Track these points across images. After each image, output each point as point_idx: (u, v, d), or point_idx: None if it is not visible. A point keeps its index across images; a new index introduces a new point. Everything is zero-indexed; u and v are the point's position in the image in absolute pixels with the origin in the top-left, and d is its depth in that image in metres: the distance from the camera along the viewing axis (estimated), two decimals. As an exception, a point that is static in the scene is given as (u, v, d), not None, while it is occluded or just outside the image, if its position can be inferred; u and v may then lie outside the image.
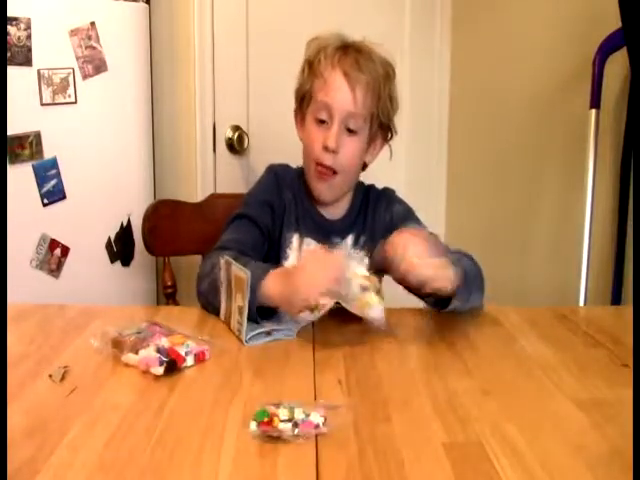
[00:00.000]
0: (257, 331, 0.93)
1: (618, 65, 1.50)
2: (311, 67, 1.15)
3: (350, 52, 1.13)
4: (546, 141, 1.78)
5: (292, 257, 1.19)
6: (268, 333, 0.93)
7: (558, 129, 1.74)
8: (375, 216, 1.23)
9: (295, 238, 1.19)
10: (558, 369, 0.85)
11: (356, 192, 1.24)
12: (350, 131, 1.13)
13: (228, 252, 1.06)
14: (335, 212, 1.22)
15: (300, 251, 1.18)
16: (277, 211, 1.19)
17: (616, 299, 1.55)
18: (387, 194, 1.26)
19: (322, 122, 1.13)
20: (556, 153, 1.76)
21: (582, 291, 1.55)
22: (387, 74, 1.15)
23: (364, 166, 1.22)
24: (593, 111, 1.53)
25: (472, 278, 1.03)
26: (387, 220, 1.22)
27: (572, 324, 1.06)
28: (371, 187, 1.27)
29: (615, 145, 1.56)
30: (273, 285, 0.94)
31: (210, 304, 1.05)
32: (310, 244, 1.19)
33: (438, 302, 1.01)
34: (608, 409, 0.72)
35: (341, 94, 1.11)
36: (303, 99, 1.18)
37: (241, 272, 0.91)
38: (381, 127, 1.18)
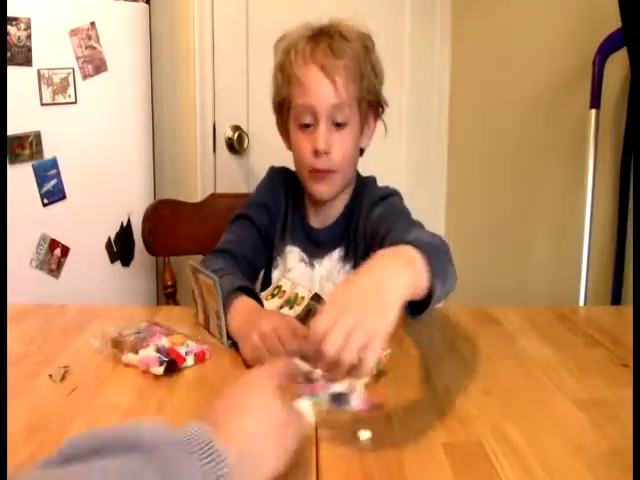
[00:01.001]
0: None
1: (618, 65, 1.50)
2: (283, 71, 1.07)
3: (321, 39, 1.04)
4: (546, 141, 1.78)
5: (280, 266, 1.17)
6: None
7: (558, 129, 1.73)
8: (358, 223, 1.12)
9: (281, 244, 1.17)
10: (558, 369, 0.85)
11: (353, 191, 1.16)
12: (338, 125, 1.04)
13: (224, 257, 1.06)
14: (325, 219, 1.16)
15: (284, 258, 1.16)
16: (273, 214, 1.17)
17: (616, 299, 1.55)
18: (372, 197, 1.10)
19: (307, 126, 1.05)
20: (556, 153, 1.76)
21: (582, 291, 1.55)
22: (365, 48, 1.06)
23: (361, 151, 1.14)
24: (593, 111, 1.53)
25: (441, 255, 0.77)
26: (367, 226, 1.07)
27: (572, 324, 1.06)
28: (367, 185, 1.17)
29: (615, 145, 1.55)
30: (235, 316, 0.91)
31: None
32: (293, 251, 1.15)
33: (414, 307, 0.72)
34: (608, 409, 0.72)
35: (321, 90, 1.02)
36: (282, 107, 1.10)
37: (208, 279, 0.91)
38: (370, 105, 1.09)
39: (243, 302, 0.92)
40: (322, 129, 1.03)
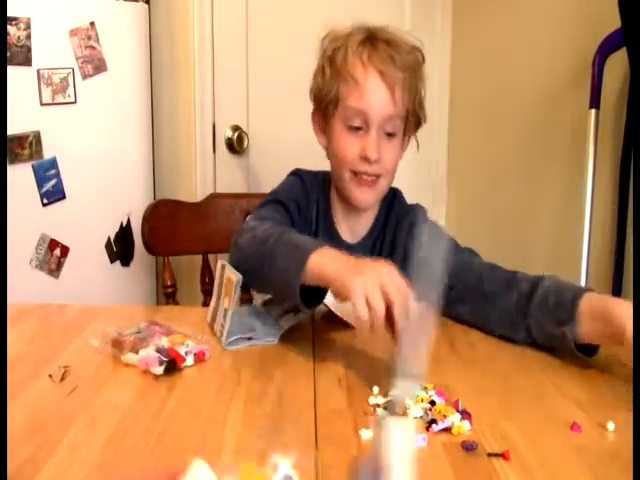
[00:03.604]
0: (238, 336, 0.92)
1: (618, 65, 1.50)
2: (333, 65, 1.01)
3: (379, 45, 1.00)
4: (546, 141, 1.78)
5: None
6: (249, 338, 0.93)
7: (558, 129, 1.73)
8: (395, 239, 1.11)
9: None
10: (558, 369, 0.85)
11: (382, 204, 1.14)
12: (389, 135, 1.03)
13: (267, 222, 0.97)
14: (356, 231, 1.13)
15: None
16: (304, 215, 1.10)
17: (616, 299, 1.55)
18: (411, 215, 1.12)
19: (356, 129, 1.02)
20: (556, 153, 1.76)
21: (582, 291, 1.56)
22: (418, 62, 1.04)
23: None
24: (593, 111, 1.53)
25: None
26: (408, 245, 1.07)
27: (572, 324, 1.06)
28: (396, 196, 1.16)
29: (615, 145, 1.55)
30: (328, 260, 0.81)
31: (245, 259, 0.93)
32: None
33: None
34: (608, 409, 0.72)
35: (378, 98, 0.99)
36: (326, 102, 1.04)
37: (233, 275, 0.90)
38: (415, 119, 1.08)
39: (334, 251, 0.82)
40: (373, 137, 1.01)
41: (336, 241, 1.11)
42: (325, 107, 1.05)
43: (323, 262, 0.80)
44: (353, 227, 1.14)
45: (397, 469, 0.41)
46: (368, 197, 1.07)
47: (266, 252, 0.88)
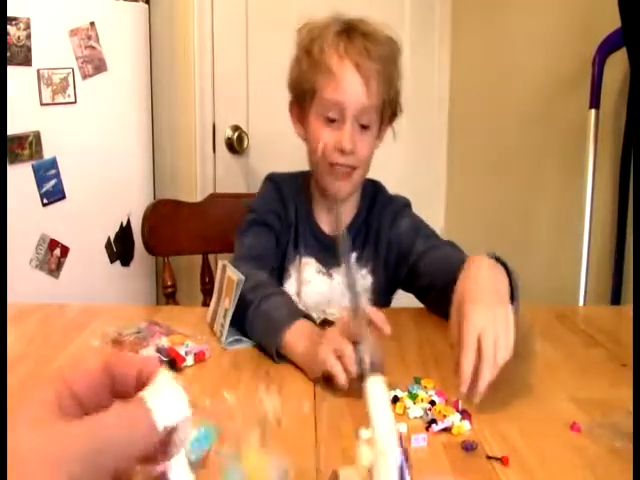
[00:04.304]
0: (238, 336, 0.92)
1: (618, 65, 1.50)
2: (311, 56, 1.03)
3: (355, 37, 1.01)
4: (546, 141, 1.78)
5: (292, 277, 1.14)
6: (249, 338, 0.93)
7: (558, 129, 1.73)
8: (379, 230, 1.14)
9: (295, 256, 1.14)
10: (558, 369, 0.85)
11: (363, 194, 1.16)
12: (363, 127, 1.04)
13: (257, 265, 1.01)
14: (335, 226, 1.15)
15: (300, 270, 1.13)
16: (284, 223, 1.13)
17: (616, 299, 1.55)
18: (394, 206, 1.16)
19: (331, 120, 1.03)
20: (556, 153, 1.76)
21: (582, 290, 1.55)
22: (394, 54, 1.05)
23: None
24: (593, 111, 1.53)
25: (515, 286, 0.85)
26: (392, 237, 1.13)
27: (572, 323, 1.06)
28: (379, 190, 1.18)
29: (615, 145, 1.55)
30: (299, 338, 0.84)
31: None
32: (309, 263, 1.13)
33: None
34: (608, 409, 0.72)
35: (353, 89, 1.00)
36: (303, 93, 1.06)
37: (233, 275, 0.90)
38: (390, 110, 1.09)
39: (304, 325, 0.86)
40: (348, 129, 1.02)
41: (317, 234, 1.14)
42: (302, 98, 1.07)
43: (293, 342, 0.84)
44: (334, 220, 1.15)
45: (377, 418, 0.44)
46: (344, 188, 1.08)
47: (247, 318, 0.91)
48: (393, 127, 1.14)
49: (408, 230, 1.13)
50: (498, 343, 0.70)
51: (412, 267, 1.11)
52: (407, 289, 1.16)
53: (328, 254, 1.13)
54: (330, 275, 1.13)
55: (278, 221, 1.12)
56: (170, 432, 0.35)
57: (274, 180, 1.17)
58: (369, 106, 1.02)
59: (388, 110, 1.08)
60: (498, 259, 0.85)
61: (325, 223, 1.16)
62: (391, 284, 1.17)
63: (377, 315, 0.76)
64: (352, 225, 1.15)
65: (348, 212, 1.15)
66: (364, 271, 1.13)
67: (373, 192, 1.17)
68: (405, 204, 1.18)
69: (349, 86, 1.00)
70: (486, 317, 0.72)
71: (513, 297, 0.80)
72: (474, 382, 0.68)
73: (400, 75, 1.08)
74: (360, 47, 1.00)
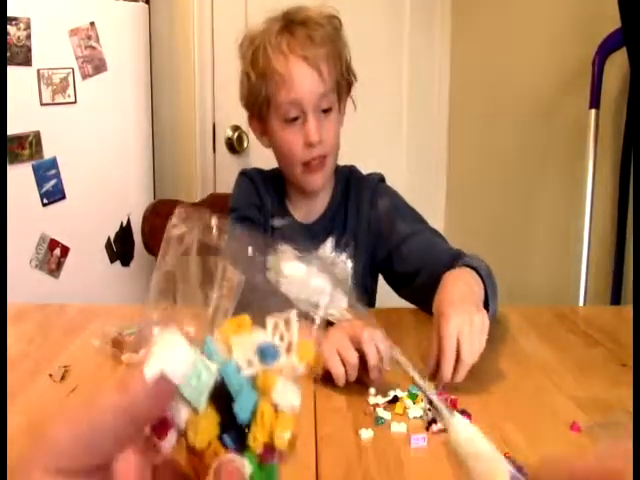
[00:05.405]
0: None
1: (618, 65, 1.50)
2: (257, 68, 1.02)
3: (296, 29, 1.01)
4: (546, 141, 1.78)
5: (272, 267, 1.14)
6: None
7: (558, 129, 1.73)
8: (358, 213, 1.13)
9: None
10: (558, 369, 0.85)
11: (337, 179, 1.15)
12: (325, 111, 1.03)
13: None
14: (312, 213, 1.15)
15: (278, 257, 1.13)
16: (262, 213, 1.14)
17: (616, 299, 1.55)
18: (370, 184, 1.15)
19: (293, 120, 1.02)
20: (556, 153, 1.76)
21: (582, 291, 1.55)
22: (336, 29, 1.05)
23: None
24: (593, 111, 1.53)
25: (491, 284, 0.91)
26: (372, 218, 1.12)
27: (572, 323, 1.06)
28: (352, 172, 1.18)
29: (615, 145, 1.55)
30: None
31: None
32: (286, 251, 1.14)
33: None
34: (608, 409, 0.72)
35: (307, 83, 1.00)
36: (259, 107, 1.06)
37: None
38: (346, 83, 1.09)
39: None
40: (312, 121, 1.01)
41: (293, 225, 1.14)
42: (258, 110, 1.07)
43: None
44: (308, 209, 1.16)
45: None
46: (319, 180, 1.09)
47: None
48: (352, 97, 1.13)
49: (388, 210, 1.12)
50: (472, 346, 0.75)
51: (394, 249, 1.09)
52: (385, 273, 1.16)
53: (306, 242, 1.12)
54: (307, 260, 1.13)
55: (258, 213, 1.13)
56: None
57: (247, 174, 1.19)
58: (326, 91, 1.02)
59: (344, 84, 1.08)
60: (475, 268, 0.89)
61: (299, 214, 1.16)
62: (371, 267, 1.16)
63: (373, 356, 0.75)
64: (325, 214, 1.15)
65: (322, 202, 1.15)
66: (344, 256, 1.12)
67: (346, 175, 1.17)
68: (380, 179, 1.18)
69: (302, 81, 1.00)
70: (463, 320, 0.76)
71: (489, 300, 0.87)
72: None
73: (345, 44, 1.07)
74: (303, 37, 1.00)
